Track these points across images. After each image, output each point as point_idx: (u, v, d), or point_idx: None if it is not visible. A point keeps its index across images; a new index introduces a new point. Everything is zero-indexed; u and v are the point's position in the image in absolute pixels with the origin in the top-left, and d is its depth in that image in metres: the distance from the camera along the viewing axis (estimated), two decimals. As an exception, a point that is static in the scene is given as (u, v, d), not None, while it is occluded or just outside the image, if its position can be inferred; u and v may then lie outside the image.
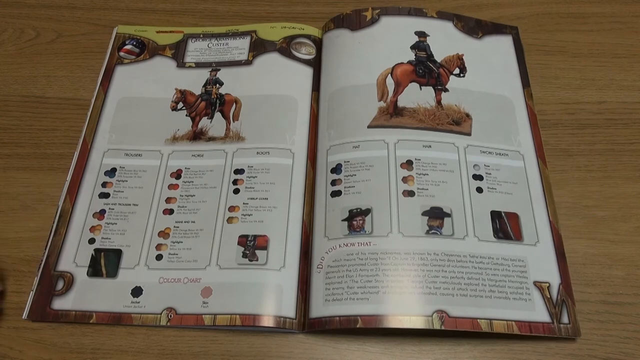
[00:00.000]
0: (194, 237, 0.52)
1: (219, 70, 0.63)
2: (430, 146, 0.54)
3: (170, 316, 0.48)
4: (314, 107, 0.59)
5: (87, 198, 0.55)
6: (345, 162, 0.54)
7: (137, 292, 0.49)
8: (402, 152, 0.54)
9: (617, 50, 0.65)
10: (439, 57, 0.61)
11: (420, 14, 0.64)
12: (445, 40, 0.62)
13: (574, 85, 0.63)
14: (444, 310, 0.46)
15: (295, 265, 0.50)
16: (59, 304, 0.49)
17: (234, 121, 0.59)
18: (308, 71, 0.62)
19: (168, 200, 0.54)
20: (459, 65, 0.60)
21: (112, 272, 0.50)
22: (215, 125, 0.59)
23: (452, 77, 0.60)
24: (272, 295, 0.48)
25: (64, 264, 0.51)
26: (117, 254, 0.51)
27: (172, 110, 0.60)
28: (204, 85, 0.62)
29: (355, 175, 0.53)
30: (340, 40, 0.62)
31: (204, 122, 0.59)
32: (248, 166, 0.55)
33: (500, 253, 0.49)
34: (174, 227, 0.53)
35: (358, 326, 0.45)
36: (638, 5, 0.69)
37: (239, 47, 0.64)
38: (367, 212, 0.51)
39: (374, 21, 0.63)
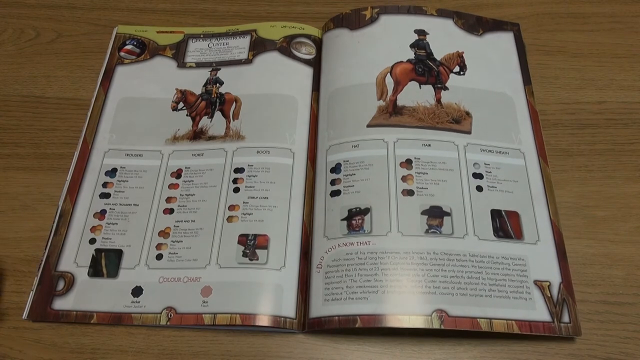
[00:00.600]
0: (194, 236, 0.52)
1: (220, 69, 0.63)
2: (429, 145, 0.54)
3: (170, 315, 0.48)
4: (314, 107, 0.59)
5: (88, 198, 0.55)
6: (344, 161, 0.54)
7: (137, 292, 0.49)
8: (401, 151, 0.54)
9: (617, 50, 0.65)
10: (439, 55, 0.61)
11: (420, 12, 0.64)
12: (445, 38, 0.62)
13: (574, 85, 0.63)
14: (443, 309, 0.46)
15: (295, 265, 0.50)
16: (60, 304, 0.49)
17: (233, 120, 0.59)
18: (308, 71, 0.62)
19: (168, 199, 0.54)
20: (459, 63, 0.60)
21: (113, 272, 0.50)
22: (215, 124, 0.59)
23: (452, 75, 0.59)
24: (272, 295, 0.48)
25: (65, 264, 0.51)
26: (117, 254, 0.51)
27: (173, 110, 0.60)
28: (205, 85, 0.62)
29: (354, 174, 0.53)
30: (340, 39, 0.62)
31: (204, 121, 0.59)
32: (248, 165, 0.55)
33: (500, 252, 0.49)
34: (174, 226, 0.53)
35: (357, 326, 0.45)
36: (638, 5, 0.69)
37: (239, 47, 0.65)
38: (367, 211, 0.51)
39: (373, 20, 0.63)
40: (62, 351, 0.48)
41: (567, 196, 0.55)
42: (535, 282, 0.48)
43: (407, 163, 0.53)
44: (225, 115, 0.59)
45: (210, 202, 0.53)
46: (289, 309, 0.48)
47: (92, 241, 0.52)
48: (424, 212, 0.50)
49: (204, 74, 0.63)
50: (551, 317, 0.46)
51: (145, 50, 0.65)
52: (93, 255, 0.51)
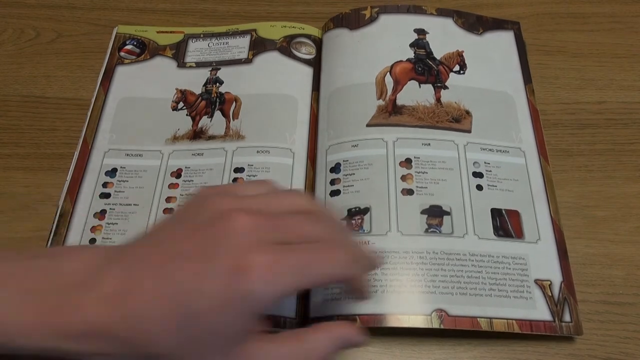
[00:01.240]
0: (194, 236, 0.52)
1: (219, 69, 0.63)
2: (429, 144, 0.54)
3: (170, 315, 0.48)
4: (314, 107, 0.59)
5: (88, 198, 0.54)
6: (344, 161, 0.54)
7: (136, 291, 0.49)
8: (401, 151, 0.54)
9: (617, 50, 0.65)
10: (438, 54, 0.61)
11: (420, 11, 0.64)
12: (445, 37, 0.62)
13: (574, 85, 0.63)
14: (443, 309, 0.46)
15: (295, 264, 0.50)
16: (59, 303, 0.49)
17: (233, 120, 0.59)
18: (308, 71, 0.62)
19: (168, 199, 0.54)
20: (458, 62, 0.60)
21: (112, 272, 0.50)
22: (215, 124, 0.59)
23: (451, 75, 0.59)
24: (271, 294, 0.48)
25: (64, 263, 0.51)
26: (117, 253, 0.51)
27: (173, 110, 0.60)
28: (205, 85, 0.62)
29: (354, 174, 0.53)
30: (340, 39, 0.62)
31: (204, 121, 0.59)
32: (248, 165, 0.55)
33: (500, 251, 0.49)
34: (174, 226, 0.52)
35: (357, 325, 0.45)
36: (638, 5, 0.69)
37: (239, 46, 0.65)
38: (366, 211, 0.51)
39: (372, 20, 0.63)
40: (62, 351, 0.48)
41: (567, 196, 0.55)
42: (536, 281, 0.48)
43: (407, 162, 0.53)
44: (225, 114, 0.59)
45: (210, 202, 0.53)
46: (289, 309, 0.48)
47: (92, 241, 0.52)
48: (423, 212, 0.50)
49: (204, 73, 0.63)
50: (552, 317, 0.46)
51: (145, 50, 0.65)
52: (93, 254, 0.51)
